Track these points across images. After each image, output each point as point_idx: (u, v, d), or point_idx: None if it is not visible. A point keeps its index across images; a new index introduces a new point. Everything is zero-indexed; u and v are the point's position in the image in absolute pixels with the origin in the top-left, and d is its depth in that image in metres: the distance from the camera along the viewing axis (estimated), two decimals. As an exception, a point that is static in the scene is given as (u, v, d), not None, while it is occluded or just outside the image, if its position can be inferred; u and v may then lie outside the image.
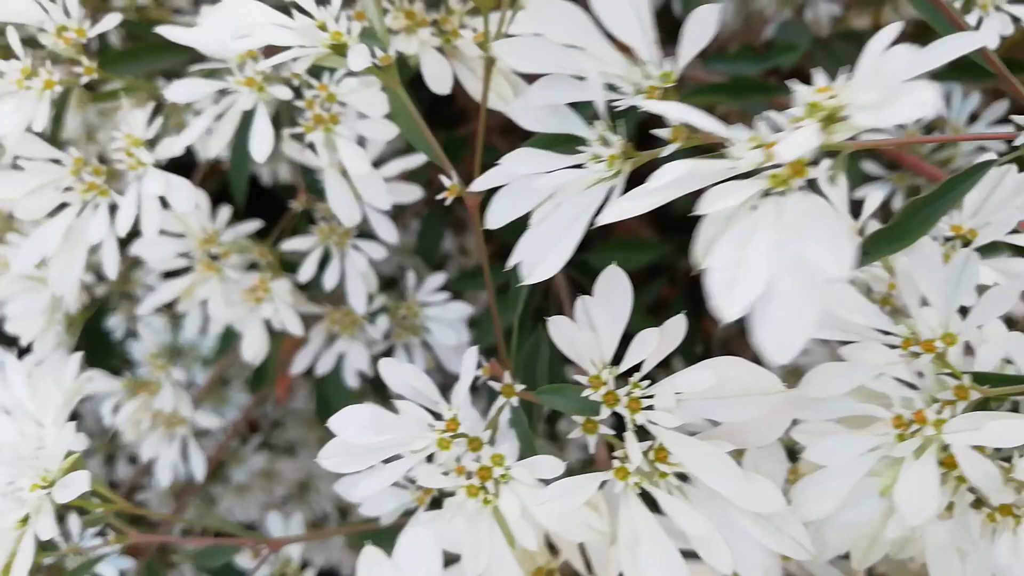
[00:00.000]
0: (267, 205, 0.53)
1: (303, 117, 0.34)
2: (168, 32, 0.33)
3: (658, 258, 0.59)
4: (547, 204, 0.23)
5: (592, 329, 0.26)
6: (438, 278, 0.48)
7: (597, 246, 0.64)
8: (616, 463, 0.25)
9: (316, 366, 0.47)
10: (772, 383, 0.22)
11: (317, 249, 0.44)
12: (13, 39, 0.34)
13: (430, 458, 0.26)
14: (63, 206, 0.35)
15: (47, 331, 0.44)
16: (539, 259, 0.22)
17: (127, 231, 0.33)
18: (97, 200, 0.35)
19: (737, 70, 0.63)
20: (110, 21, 0.34)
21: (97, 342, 0.64)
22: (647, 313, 0.66)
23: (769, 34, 0.73)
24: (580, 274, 0.65)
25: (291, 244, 0.44)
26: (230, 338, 0.54)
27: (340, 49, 0.26)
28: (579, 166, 0.23)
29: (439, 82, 0.28)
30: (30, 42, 0.35)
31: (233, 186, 0.47)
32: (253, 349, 0.44)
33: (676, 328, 0.25)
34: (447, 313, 0.47)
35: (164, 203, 0.34)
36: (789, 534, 0.22)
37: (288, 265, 0.47)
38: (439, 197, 0.29)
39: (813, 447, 0.21)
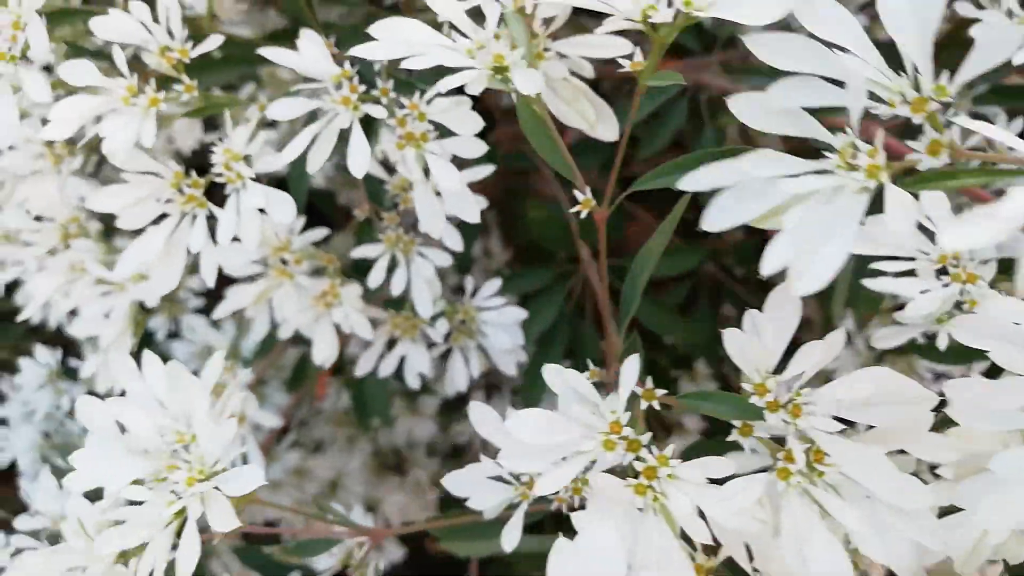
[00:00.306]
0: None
1: (395, 135, 0.35)
2: (270, 53, 0.35)
3: (693, 264, 0.61)
4: (797, 209, 0.23)
5: (760, 340, 0.27)
6: (494, 284, 0.50)
7: (626, 252, 0.66)
8: (780, 464, 0.26)
9: (379, 368, 0.49)
10: (919, 392, 0.24)
11: (385, 256, 0.46)
12: (119, 58, 0.36)
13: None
14: (162, 216, 0.37)
15: (124, 334, 0.46)
16: (806, 267, 0.22)
17: (229, 241, 0.35)
18: (195, 211, 0.37)
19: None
20: (213, 42, 0.36)
21: (143, 343, 0.66)
22: (677, 312, 0.69)
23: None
24: (616, 278, 0.68)
25: (360, 251, 0.46)
26: (272, 341, 0.56)
27: (502, 71, 0.28)
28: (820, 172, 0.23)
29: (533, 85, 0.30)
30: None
31: (293, 196, 0.49)
32: (324, 353, 0.46)
33: (836, 341, 0.27)
34: (503, 318, 0.49)
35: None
36: (927, 529, 0.25)
37: (349, 271, 0.49)
38: (574, 210, 0.31)
39: (997, 457, 0.23)
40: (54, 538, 0.58)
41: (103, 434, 0.37)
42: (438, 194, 0.36)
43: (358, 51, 0.28)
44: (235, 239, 0.35)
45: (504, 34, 0.30)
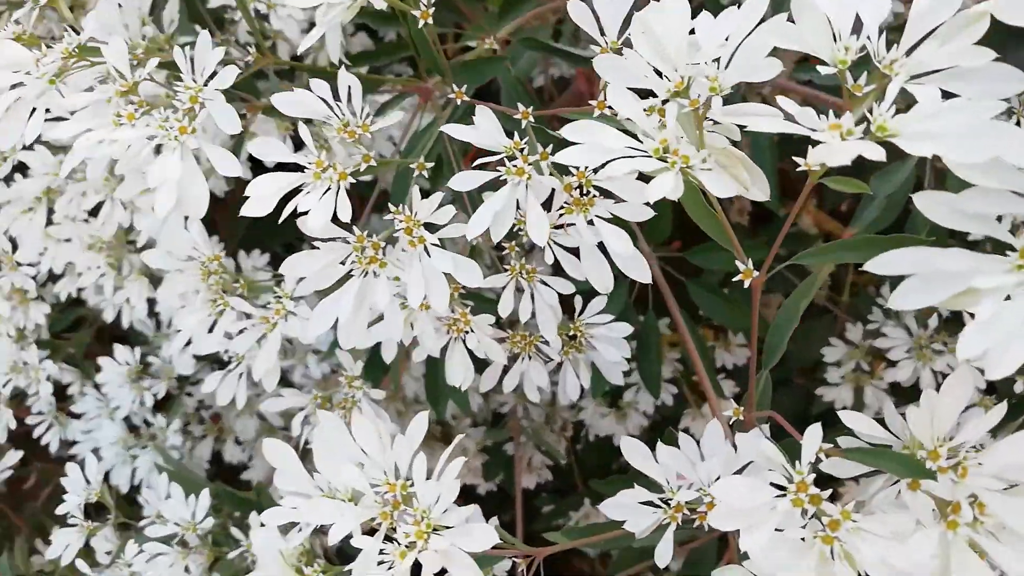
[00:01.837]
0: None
1: (564, 201, 0.38)
2: (450, 129, 0.38)
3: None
4: (989, 303, 0.26)
5: (934, 415, 0.31)
6: (600, 301, 0.54)
7: (694, 248, 0.70)
8: (951, 517, 0.31)
9: (503, 384, 0.52)
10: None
11: (511, 284, 0.49)
12: (306, 136, 0.38)
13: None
14: (347, 276, 0.40)
15: (275, 368, 0.49)
16: (1000, 358, 0.24)
17: (419, 303, 0.38)
18: (377, 270, 0.40)
19: (826, 79, 0.69)
20: (392, 118, 0.38)
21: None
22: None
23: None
24: (676, 270, 0.72)
25: (489, 281, 0.49)
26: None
27: (685, 171, 0.30)
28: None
29: (724, 189, 0.33)
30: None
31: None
32: (459, 376, 0.49)
33: (999, 410, 0.31)
34: (612, 332, 0.53)
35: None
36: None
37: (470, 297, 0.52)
38: (735, 279, 0.35)
39: None
40: (184, 543, 0.62)
41: (293, 474, 0.41)
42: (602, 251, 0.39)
43: (564, 158, 0.31)
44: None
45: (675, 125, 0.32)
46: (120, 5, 0.51)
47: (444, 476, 0.35)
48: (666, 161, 0.30)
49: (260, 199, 0.37)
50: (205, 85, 0.38)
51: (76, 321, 0.92)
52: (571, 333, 0.53)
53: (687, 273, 0.71)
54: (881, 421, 0.42)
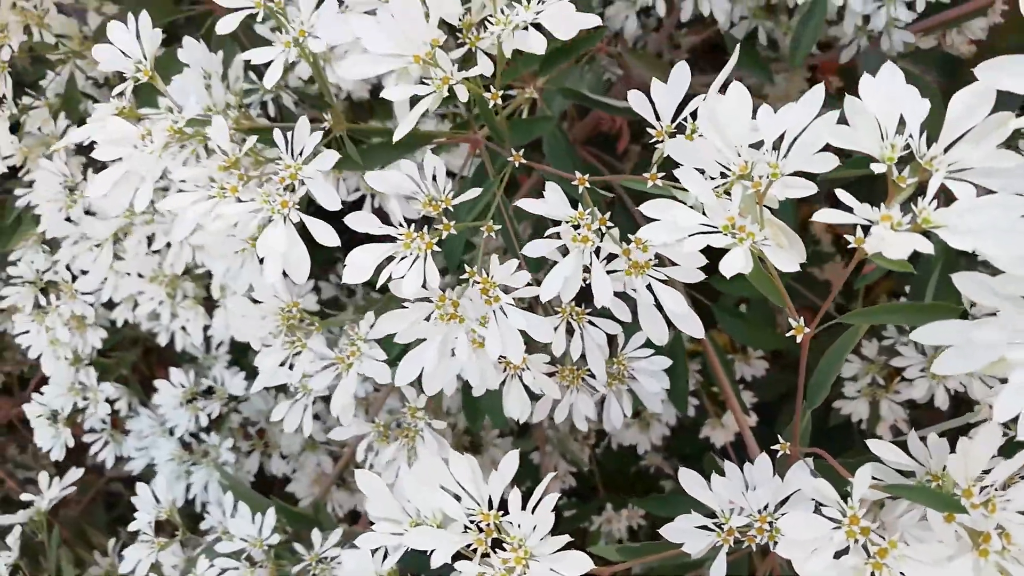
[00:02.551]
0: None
1: (622, 263, 0.43)
2: (524, 204, 0.42)
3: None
4: (1021, 370, 0.29)
5: (966, 460, 0.36)
6: (641, 337, 0.58)
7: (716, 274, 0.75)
8: (982, 546, 0.36)
9: (554, 415, 0.57)
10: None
11: (563, 325, 0.54)
12: (394, 208, 0.43)
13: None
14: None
15: (350, 405, 0.54)
16: None
17: (497, 355, 0.43)
18: (456, 325, 0.44)
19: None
20: (471, 193, 0.43)
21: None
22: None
23: (845, 60, 0.83)
24: (704, 296, 0.77)
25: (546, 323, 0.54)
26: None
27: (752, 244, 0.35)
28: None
29: (788, 265, 0.37)
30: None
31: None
32: (516, 409, 0.54)
33: (1021, 457, 0.36)
34: (652, 365, 0.58)
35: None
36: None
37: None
38: (788, 334, 0.39)
39: None
40: (250, 559, 0.67)
41: (383, 502, 0.46)
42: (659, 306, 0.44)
43: (646, 234, 0.36)
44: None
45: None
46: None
47: (540, 509, 0.40)
48: (734, 237, 0.34)
49: (359, 268, 0.41)
50: (304, 163, 0.43)
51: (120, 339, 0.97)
52: (615, 366, 0.58)
53: (706, 294, 0.76)
54: (901, 444, 0.47)
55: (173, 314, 0.81)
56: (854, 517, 0.36)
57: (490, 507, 0.41)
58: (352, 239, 0.43)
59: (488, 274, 0.43)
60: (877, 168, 0.33)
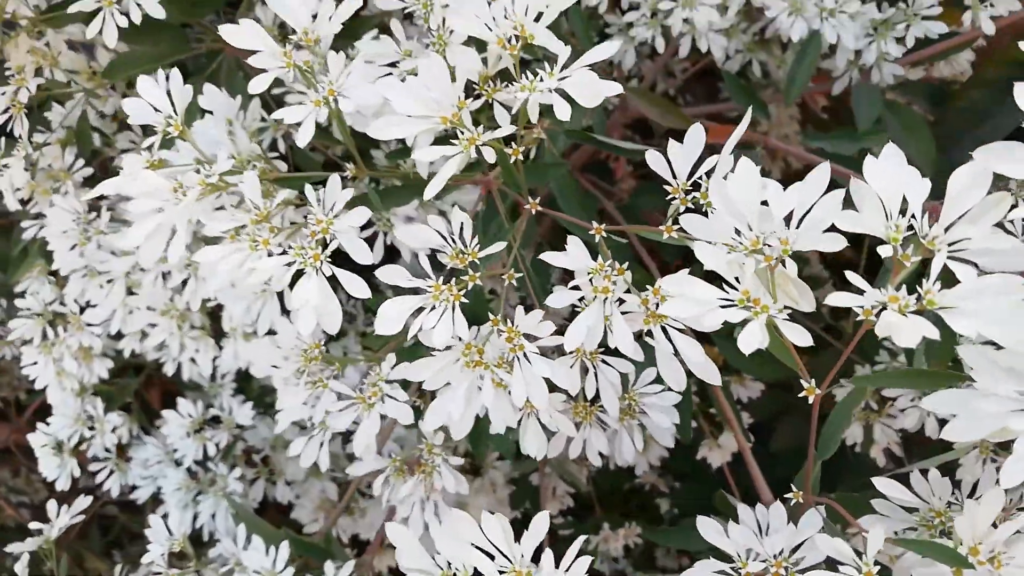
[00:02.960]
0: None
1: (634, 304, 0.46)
2: (548, 257, 0.45)
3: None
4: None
5: (972, 520, 0.39)
6: (651, 373, 0.61)
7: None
8: None
9: (568, 451, 0.59)
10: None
11: (577, 364, 0.56)
12: (425, 263, 0.45)
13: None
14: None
15: (372, 444, 0.56)
16: None
17: (523, 401, 0.45)
18: (483, 373, 0.47)
19: (838, 148, 0.77)
20: (497, 246, 0.45)
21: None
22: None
23: (837, 91, 0.86)
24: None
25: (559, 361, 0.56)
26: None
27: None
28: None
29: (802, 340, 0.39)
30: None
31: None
32: (534, 447, 0.56)
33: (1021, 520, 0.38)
34: (663, 401, 0.60)
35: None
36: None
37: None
38: (800, 395, 0.42)
39: None
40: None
41: (415, 554, 0.47)
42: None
43: (668, 310, 0.38)
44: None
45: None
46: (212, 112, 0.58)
47: (573, 568, 0.42)
48: (749, 310, 0.37)
49: (389, 320, 0.44)
50: (335, 218, 0.45)
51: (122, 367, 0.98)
52: (626, 402, 0.60)
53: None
54: (902, 478, 0.50)
55: (182, 345, 0.82)
56: (868, 573, 0.38)
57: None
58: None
59: (513, 323, 0.46)
60: (883, 250, 0.35)
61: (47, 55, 0.72)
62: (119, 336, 0.85)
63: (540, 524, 0.42)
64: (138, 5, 0.60)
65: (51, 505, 0.83)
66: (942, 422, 0.75)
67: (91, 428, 0.89)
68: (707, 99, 1.16)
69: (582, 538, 0.42)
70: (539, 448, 0.56)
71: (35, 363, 0.86)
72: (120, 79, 0.79)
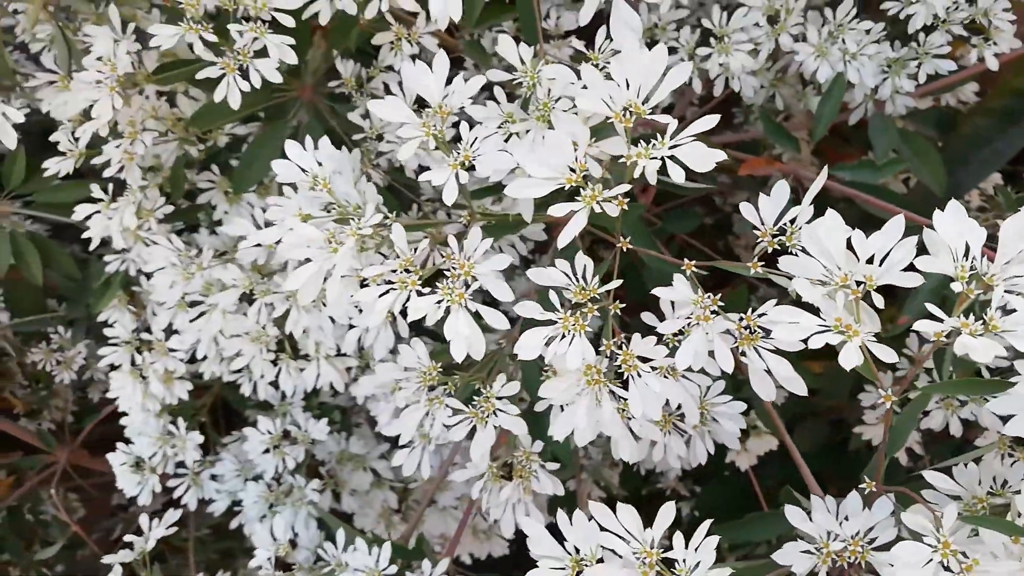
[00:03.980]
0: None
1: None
2: (660, 292, 0.54)
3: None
4: None
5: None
6: (720, 384, 0.71)
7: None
8: None
9: (652, 455, 0.69)
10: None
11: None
12: (554, 298, 0.54)
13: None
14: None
15: (487, 454, 0.65)
16: None
17: (639, 415, 0.55)
18: (601, 390, 0.56)
19: (861, 177, 0.87)
20: (613, 284, 0.55)
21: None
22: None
23: (853, 121, 0.97)
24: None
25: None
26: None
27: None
28: None
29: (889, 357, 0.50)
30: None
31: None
32: (628, 452, 0.66)
33: None
34: (731, 409, 0.70)
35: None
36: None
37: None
38: (867, 406, 0.51)
39: None
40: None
41: (546, 543, 0.56)
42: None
43: (779, 334, 0.48)
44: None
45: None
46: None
47: (703, 546, 0.51)
48: (843, 334, 0.47)
49: (530, 348, 0.53)
50: (475, 264, 0.54)
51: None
52: (700, 411, 0.70)
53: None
54: (946, 471, 0.60)
55: (263, 371, 0.91)
56: (946, 543, 0.48)
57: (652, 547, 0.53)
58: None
59: (628, 348, 0.55)
60: (955, 286, 0.46)
61: (154, 109, 0.80)
62: (193, 358, 0.93)
63: (668, 512, 0.52)
64: (258, 71, 0.69)
65: (143, 518, 0.91)
66: (967, 422, 0.86)
67: (172, 447, 0.97)
68: (724, 123, 1.27)
69: (708, 521, 0.52)
70: (632, 454, 0.66)
71: (124, 387, 0.94)
72: (207, 127, 0.88)
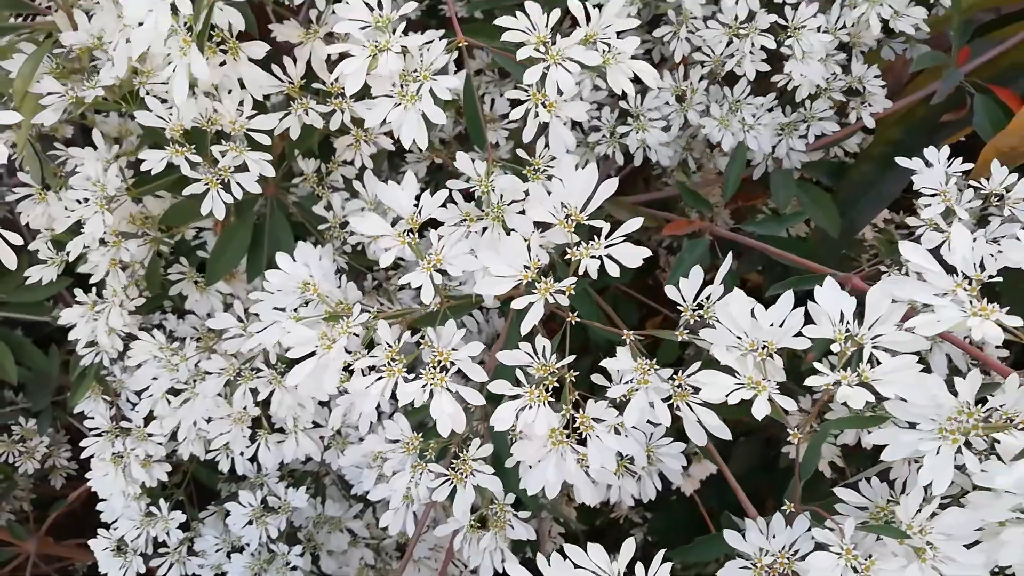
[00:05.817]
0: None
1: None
2: (608, 363, 0.68)
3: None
4: (929, 459, 0.59)
5: (906, 508, 0.64)
6: (661, 430, 0.85)
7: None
8: (922, 555, 0.63)
9: (610, 496, 0.83)
10: None
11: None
12: (520, 374, 0.68)
13: None
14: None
15: (468, 510, 0.78)
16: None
17: (598, 468, 0.68)
18: (565, 449, 0.70)
19: (767, 231, 1.03)
20: (567, 359, 0.69)
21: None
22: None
23: (756, 175, 1.14)
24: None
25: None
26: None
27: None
28: None
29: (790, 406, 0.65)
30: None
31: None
32: (589, 495, 0.79)
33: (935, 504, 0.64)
34: (673, 450, 0.85)
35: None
36: None
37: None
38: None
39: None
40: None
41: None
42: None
43: (705, 395, 0.63)
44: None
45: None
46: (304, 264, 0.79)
47: (659, 573, 0.65)
48: (754, 389, 0.62)
49: (503, 420, 0.66)
50: (454, 350, 0.68)
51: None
52: (647, 454, 0.85)
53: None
54: (853, 485, 0.75)
55: (243, 448, 1.01)
56: (848, 550, 0.63)
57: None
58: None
59: (583, 411, 0.69)
60: (834, 347, 0.61)
61: (131, 215, 0.91)
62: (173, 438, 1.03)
63: (629, 547, 0.66)
64: (239, 184, 0.81)
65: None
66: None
67: (153, 527, 1.07)
68: (645, 187, 1.43)
69: (662, 551, 0.65)
70: (593, 497, 0.79)
71: (106, 474, 1.03)
72: (176, 224, 0.99)
